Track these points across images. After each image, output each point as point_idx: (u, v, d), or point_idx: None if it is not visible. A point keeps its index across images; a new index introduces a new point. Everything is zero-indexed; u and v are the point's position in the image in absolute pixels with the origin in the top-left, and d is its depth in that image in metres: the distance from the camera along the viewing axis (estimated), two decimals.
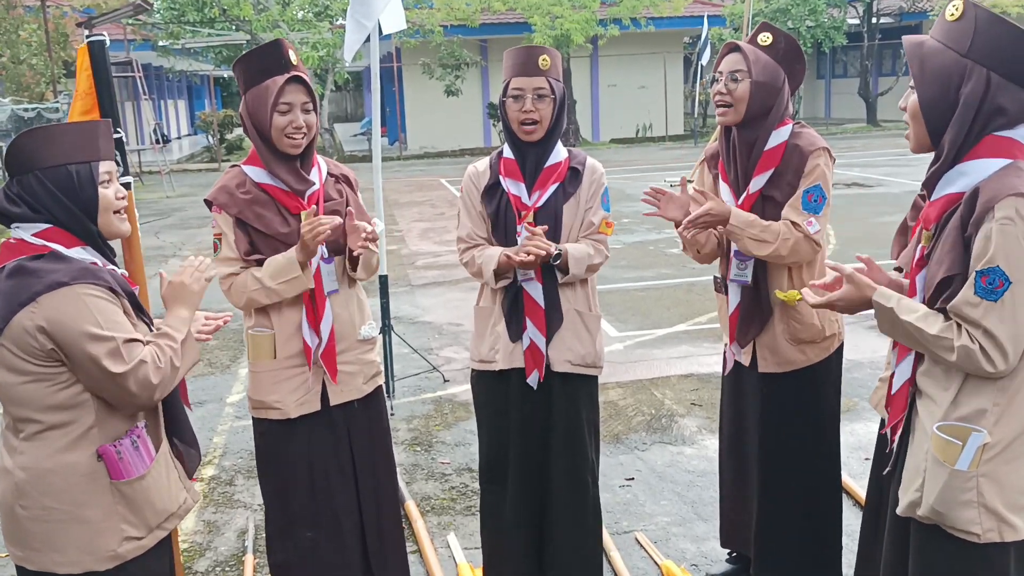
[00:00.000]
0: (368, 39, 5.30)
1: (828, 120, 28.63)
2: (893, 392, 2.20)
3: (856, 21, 26.27)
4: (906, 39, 2.08)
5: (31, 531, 2.06)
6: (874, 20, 25.96)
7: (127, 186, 2.38)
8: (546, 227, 2.85)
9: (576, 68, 24.13)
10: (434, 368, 6.02)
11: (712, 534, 3.68)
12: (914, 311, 2.01)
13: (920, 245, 2.11)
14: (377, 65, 5.44)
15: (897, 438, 2.20)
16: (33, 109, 14.75)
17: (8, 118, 14.37)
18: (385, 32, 5.51)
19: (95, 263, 2.08)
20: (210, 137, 25.81)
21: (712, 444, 4.65)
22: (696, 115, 26.14)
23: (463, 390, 5.68)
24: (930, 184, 2.07)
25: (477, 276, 3.02)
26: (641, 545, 3.69)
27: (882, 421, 2.33)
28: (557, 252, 2.85)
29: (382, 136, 24.94)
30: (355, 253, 2.75)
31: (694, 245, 3.09)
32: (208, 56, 26.23)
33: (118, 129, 2.49)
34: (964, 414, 1.98)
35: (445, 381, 5.87)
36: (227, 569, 3.68)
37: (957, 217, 1.98)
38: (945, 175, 2.03)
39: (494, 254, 2.91)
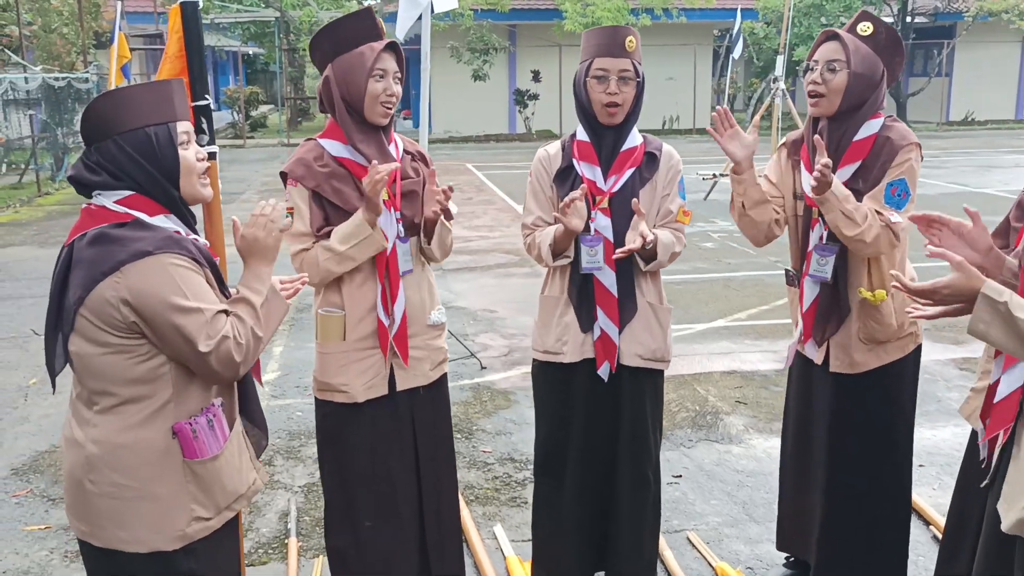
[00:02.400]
0: (420, 17, 5.22)
1: None
2: (997, 401, 2.09)
3: (890, 19, 25.95)
4: None
5: (98, 507, 1.99)
6: (908, 19, 25.65)
7: (212, 156, 2.29)
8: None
9: None
10: (472, 354, 5.94)
11: (766, 537, 3.59)
12: None
13: None
14: (428, 44, 5.34)
15: (998, 450, 2.10)
16: (64, 79, 14.71)
17: (39, 87, 14.32)
18: (437, 11, 5.42)
19: (178, 232, 2.01)
20: (235, 113, 25.78)
21: (760, 444, 4.56)
22: None
23: (501, 377, 5.60)
24: None
25: (539, 260, 2.92)
26: (693, 545, 3.61)
27: (974, 432, 2.23)
28: (653, 238, 2.73)
29: (406, 118, 25.00)
30: (435, 211, 2.65)
31: (742, 184, 2.87)
32: (236, 32, 26.16)
33: (206, 96, 2.40)
34: None
35: (483, 368, 5.79)
36: (270, 551, 3.61)
37: None
38: None
39: (550, 230, 2.82)
